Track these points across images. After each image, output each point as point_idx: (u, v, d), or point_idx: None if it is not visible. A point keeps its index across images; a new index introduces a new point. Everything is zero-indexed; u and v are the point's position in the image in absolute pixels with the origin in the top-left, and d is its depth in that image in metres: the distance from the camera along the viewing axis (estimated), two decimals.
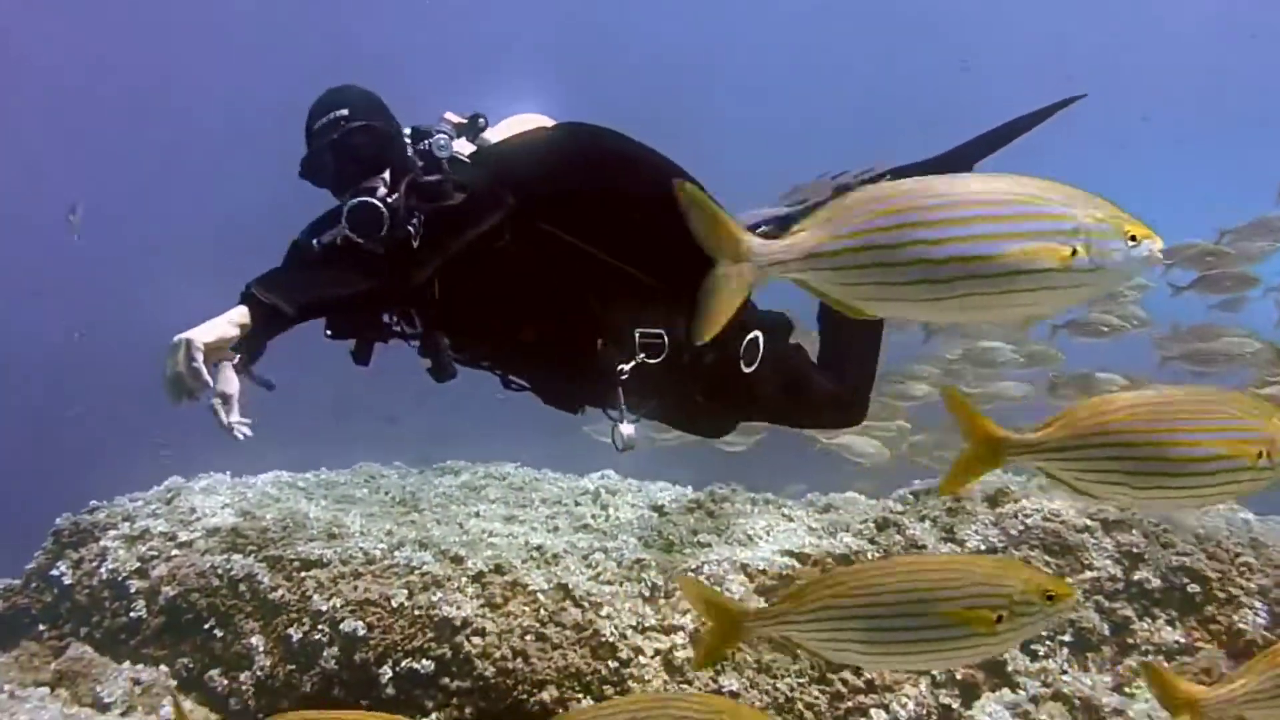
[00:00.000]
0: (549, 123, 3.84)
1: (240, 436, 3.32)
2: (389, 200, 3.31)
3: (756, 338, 3.85)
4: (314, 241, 3.40)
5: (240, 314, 3.02)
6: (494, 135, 3.69)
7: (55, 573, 5.47)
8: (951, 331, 7.22)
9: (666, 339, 3.65)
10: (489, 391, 3.97)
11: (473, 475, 7.30)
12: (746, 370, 3.85)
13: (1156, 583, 4.91)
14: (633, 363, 3.60)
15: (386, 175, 3.38)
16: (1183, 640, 4.76)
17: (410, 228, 3.28)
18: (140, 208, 24.60)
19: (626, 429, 3.69)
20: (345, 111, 3.39)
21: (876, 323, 4.26)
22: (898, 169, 4.14)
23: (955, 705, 4.63)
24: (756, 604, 5.01)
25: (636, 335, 3.62)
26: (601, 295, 3.57)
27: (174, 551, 5.27)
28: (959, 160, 4.02)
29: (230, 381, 3.40)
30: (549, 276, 3.53)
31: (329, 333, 3.52)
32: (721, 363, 3.80)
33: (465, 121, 3.63)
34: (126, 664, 4.59)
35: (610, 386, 3.64)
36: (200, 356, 2.90)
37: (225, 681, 4.84)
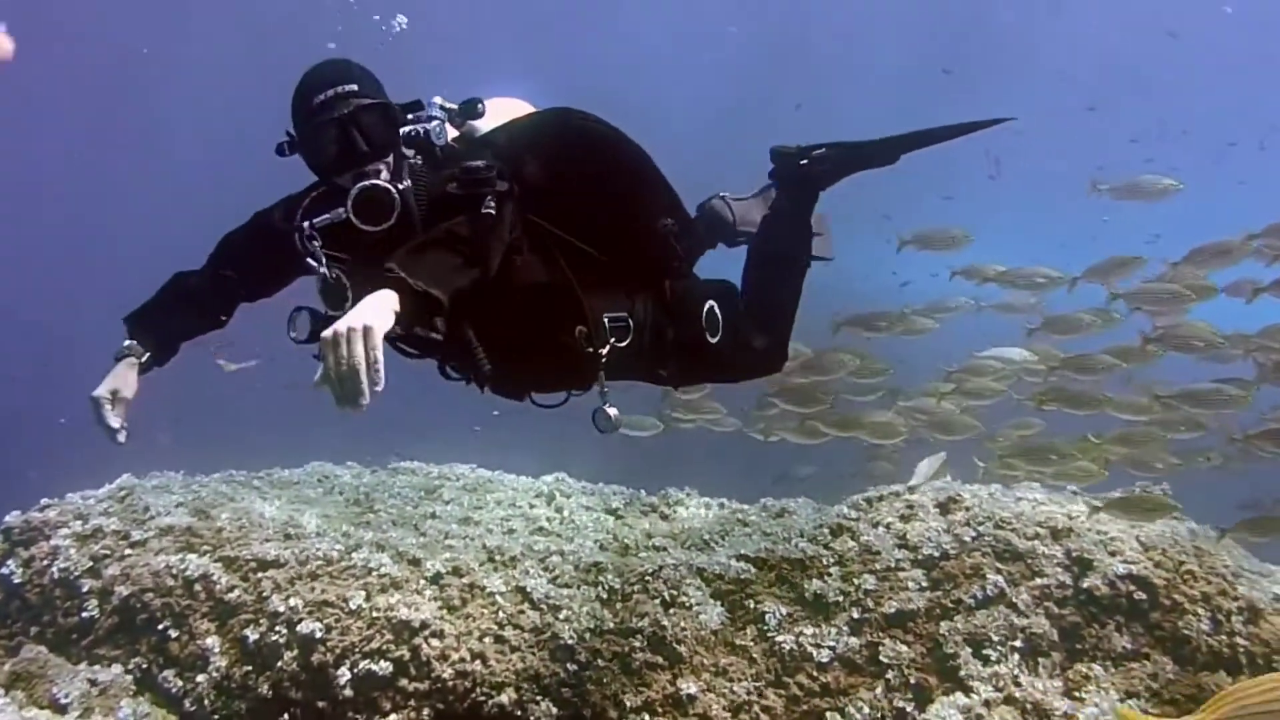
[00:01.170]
0: (529, 108, 3.86)
1: (120, 440, 3.33)
2: (399, 186, 3.26)
3: (713, 307, 3.97)
4: (305, 224, 3.29)
5: (392, 300, 2.78)
6: (480, 121, 3.69)
7: (5, 571, 5.37)
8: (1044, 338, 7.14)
9: (630, 322, 3.72)
10: (435, 391, 3.99)
11: (426, 476, 7.30)
12: (712, 341, 3.97)
13: (1104, 590, 5.01)
14: (607, 347, 3.64)
15: (390, 159, 3.32)
16: (1130, 646, 4.86)
17: (489, 210, 3.21)
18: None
19: (612, 410, 3.75)
20: (354, 87, 3.28)
21: (801, 275, 4.49)
22: (836, 144, 4.47)
23: (909, 709, 4.69)
24: None
25: (606, 320, 3.68)
26: (580, 283, 3.58)
27: (127, 551, 5.21)
28: (890, 148, 4.42)
29: (131, 383, 3.42)
30: (542, 266, 3.52)
31: (299, 337, 3.47)
32: (687, 338, 3.92)
33: (456, 107, 3.59)
34: (83, 665, 4.53)
35: (591, 371, 3.68)
36: (382, 347, 2.64)
37: (180, 682, 4.79)
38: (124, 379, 3.44)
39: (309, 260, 3.36)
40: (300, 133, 3.32)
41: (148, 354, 3.55)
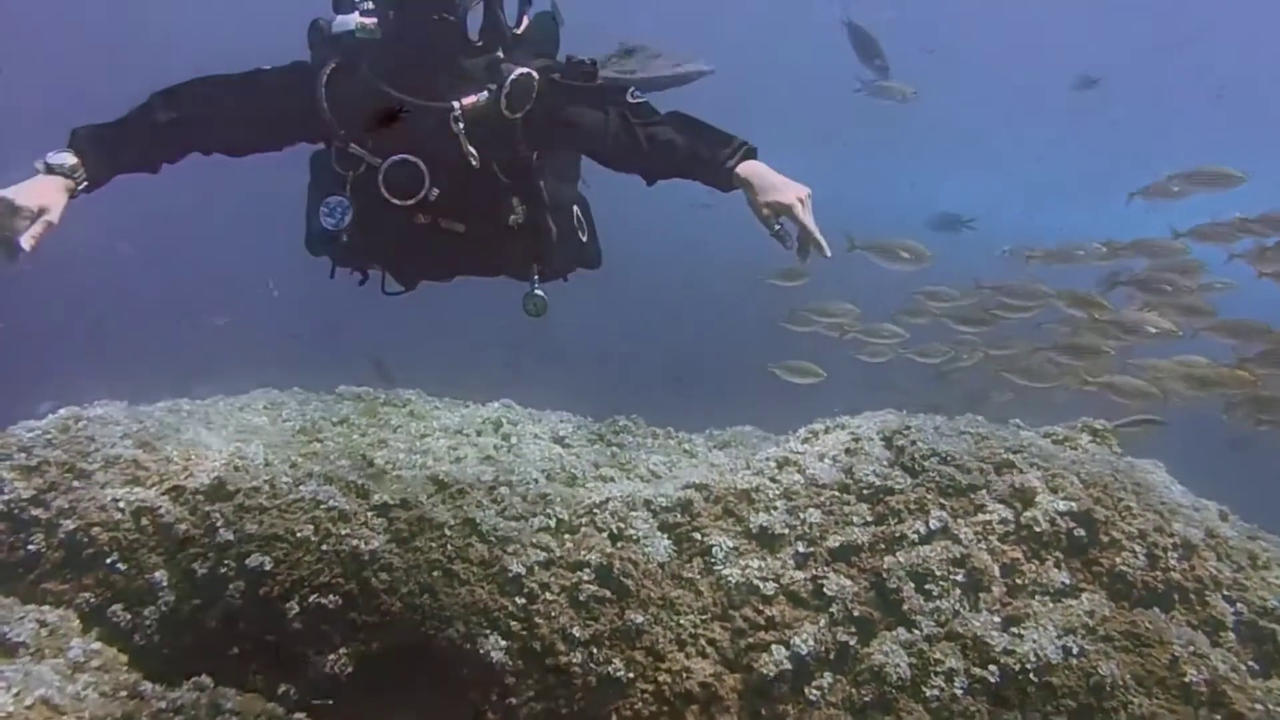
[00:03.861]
0: None
1: (19, 261, 3.00)
2: (536, 75, 3.54)
3: (575, 211, 4.33)
4: (455, 105, 3.48)
5: None
6: None
7: None
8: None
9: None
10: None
11: (372, 403, 7.26)
12: (584, 240, 4.39)
13: (1045, 525, 5.09)
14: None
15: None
16: (1068, 582, 4.96)
17: (641, 98, 3.61)
18: None
19: (539, 293, 4.12)
20: None
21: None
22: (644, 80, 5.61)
23: (853, 643, 4.77)
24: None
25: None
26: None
27: (74, 483, 5.14)
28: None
29: (59, 208, 3.10)
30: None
31: (339, 225, 3.74)
32: (567, 234, 4.24)
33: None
34: (32, 606, 4.49)
35: (528, 258, 4.09)
36: None
37: (128, 616, 4.77)
38: (55, 200, 3.09)
39: (355, 148, 3.62)
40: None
41: (84, 184, 3.26)
